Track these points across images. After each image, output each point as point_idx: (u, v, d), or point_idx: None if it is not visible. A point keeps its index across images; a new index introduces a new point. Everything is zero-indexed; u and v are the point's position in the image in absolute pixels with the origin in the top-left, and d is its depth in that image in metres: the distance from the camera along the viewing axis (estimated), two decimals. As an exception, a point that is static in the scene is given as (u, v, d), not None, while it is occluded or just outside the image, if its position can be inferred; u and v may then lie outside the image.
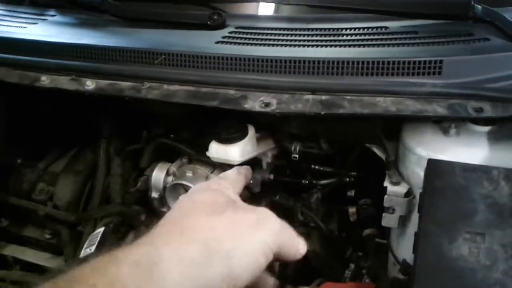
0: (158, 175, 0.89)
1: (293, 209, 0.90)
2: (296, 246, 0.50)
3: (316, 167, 0.92)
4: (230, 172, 0.61)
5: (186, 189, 0.85)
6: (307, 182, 0.92)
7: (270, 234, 0.47)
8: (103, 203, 0.94)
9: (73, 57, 0.84)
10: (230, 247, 0.43)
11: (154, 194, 0.89)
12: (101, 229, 0.80)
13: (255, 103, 0.71)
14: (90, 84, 0.80)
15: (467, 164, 0.61)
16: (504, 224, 0.52)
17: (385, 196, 0.70)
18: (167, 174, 0.89)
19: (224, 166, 0.82)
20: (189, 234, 0.43)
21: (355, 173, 0.90)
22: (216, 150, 0.77)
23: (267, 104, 0.70)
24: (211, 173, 0.87)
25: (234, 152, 0.76)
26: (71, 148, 1.04)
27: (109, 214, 0.88)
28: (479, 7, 0.76)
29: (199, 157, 0.88)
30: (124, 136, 0.99)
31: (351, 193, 0.93)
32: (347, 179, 0.90)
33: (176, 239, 0.43)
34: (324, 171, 0.92)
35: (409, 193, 0.70)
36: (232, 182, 0.57)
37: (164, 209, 0.91)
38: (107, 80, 0.80)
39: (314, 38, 0.81)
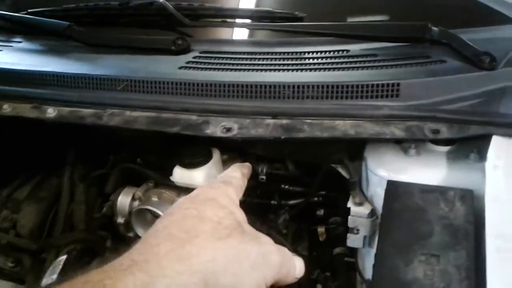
0: (124, 200, 0.88)
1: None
2: (293, 274, 0.49)
3: (286, 187, 0.92)
4: (236, 176, 0.57)
5: (152, 213, 0.84)
6: (276, 202, 0.92)
7: (269, 273, 0.45)
8: (67, 230, 0.92)
9: (35, 85, 0.83)
10: (227, 285, 0.42)
11: (120, 220, 0.88)
12: (63, 257, 0.78)
13: (216, 128, 0.71)
14: (51, 112, 0.79)
15: (425, 185, 0.62)
16: (458, 246, 0.52)
17: (349, 217, 0.71)
18: (133, 199, 0.88)
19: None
20: (190, 264, 0.41)
21: (323, 193, 0.90)
22: (180, 175, 0.77)
23: (228, 129, 0.70)
24: (177, 197, 0.86)
25: (198, 176, 0.76)
26: (35, 175, 1.02)
27: (71, 241, 0.87)
28: (436, 29, 0.78)
29: (165, 181, 0.87)
30: (89, 162, 0.98)
31: (321, 212, 0.94)
32: (316, 199, 0.91)
33: (174, 270, 0.40)
34: (293, 191, 0.92)
35: (372, 214, 0.70)
36: (237, 188, 0.55)
37: (130, 234, 0.89)
38: (69, 107, 0.79)
39: (277, 62, 0.82)
